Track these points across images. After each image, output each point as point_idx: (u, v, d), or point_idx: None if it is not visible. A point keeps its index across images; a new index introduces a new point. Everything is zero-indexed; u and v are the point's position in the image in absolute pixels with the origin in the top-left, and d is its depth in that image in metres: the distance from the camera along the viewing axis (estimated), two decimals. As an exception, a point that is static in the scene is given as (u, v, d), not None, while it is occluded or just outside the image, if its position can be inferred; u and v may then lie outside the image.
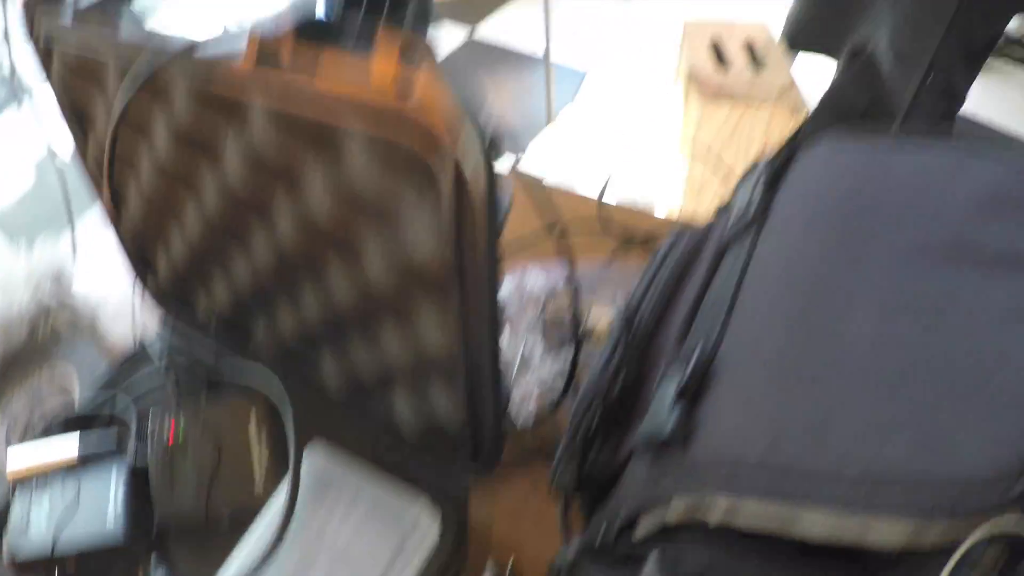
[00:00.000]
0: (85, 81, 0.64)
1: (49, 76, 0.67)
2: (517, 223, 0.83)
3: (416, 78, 0.41)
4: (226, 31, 0.49)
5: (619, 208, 0.91)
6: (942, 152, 0.42)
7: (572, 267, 0.79)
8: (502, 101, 2.67)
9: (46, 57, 0.65)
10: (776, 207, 0.45)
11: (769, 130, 1.50)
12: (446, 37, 3.00)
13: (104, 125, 0.65)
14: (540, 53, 2.39)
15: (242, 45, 0.46)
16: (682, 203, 1.68)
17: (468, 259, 0.46)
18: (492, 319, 0.49)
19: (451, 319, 0.51)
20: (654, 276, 0.52)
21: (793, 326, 0.38)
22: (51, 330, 0.90)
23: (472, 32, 3.04)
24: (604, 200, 0.90)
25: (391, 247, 0.51)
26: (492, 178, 0.41)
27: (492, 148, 0.40)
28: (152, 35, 0.55)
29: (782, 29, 1.69)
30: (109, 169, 0.65)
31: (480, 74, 2.81)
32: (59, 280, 0.93)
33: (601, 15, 3.10)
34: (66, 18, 0.59)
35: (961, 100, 1.66)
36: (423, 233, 0.48)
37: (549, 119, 2.47)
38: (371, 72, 0.42)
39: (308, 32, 0.44)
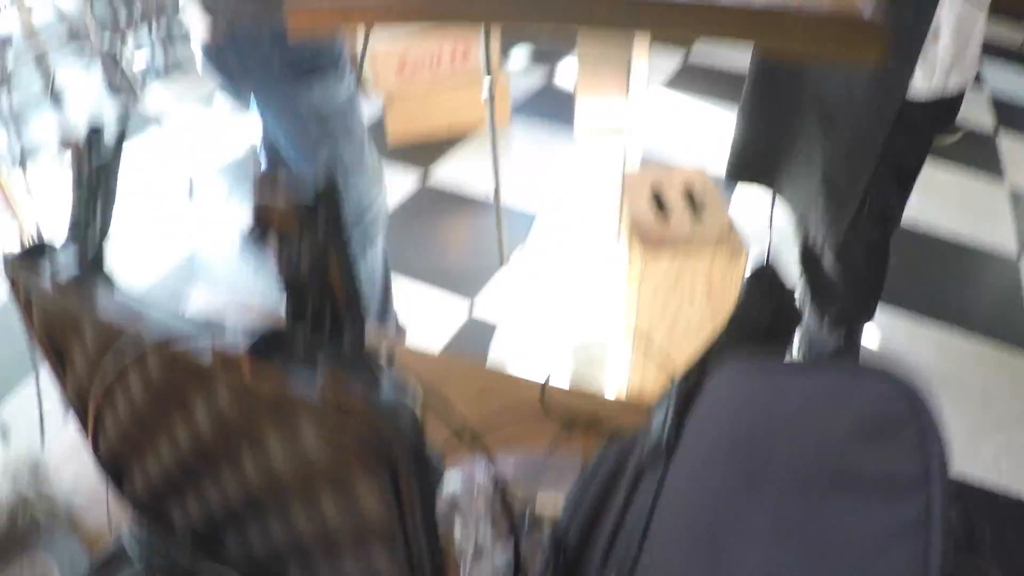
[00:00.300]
0: (64, 331, 0.66)
1: (28, 319, 0.69)
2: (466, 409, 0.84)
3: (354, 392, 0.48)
4: (192, 324, 0.56)
5: (562, 391, 0.92)
6: (830, 375, 0.44)
7: (494, 464, 0.80)
8: (455, 245, 2.73)
9: (26, 306, 0.67)
10: (685, 434, 0.47)
11: (711, 276, 1.54)
12: (399, 182, 3.09)
13: (83, 369, 0.67)
14: (491, 196, 2.47)
15: (206, 344, 0.53)
16: (627, 380, 1.70)
17: (408, 516, 0.53)
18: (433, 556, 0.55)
19: (396, 553, 0.56)
20: (581, 497, 0.53)
21: (694, 559, 0.41)
22: (30, 521, 0.89)
23: (425, 176, 3.13)
24: (548, 382, 0.91)
25: (340, 502, 0.58)
26: (423, 461, 0.49)
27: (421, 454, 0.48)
28: (129, 313, 0.58)
29: (725, 165, 1.77)
30: (94, 427, 0.70)
31: (433, 218, 2.88)
32: (36, 471, 0.92)
33: (552, 156, 3.23)
34: (46, 282, 0.61)
35: (897, 221, 1.74)
36: (366, 495, 0.55)
37: (502, 261, 2.52)
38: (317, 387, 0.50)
39: (263, 348, 0.51)
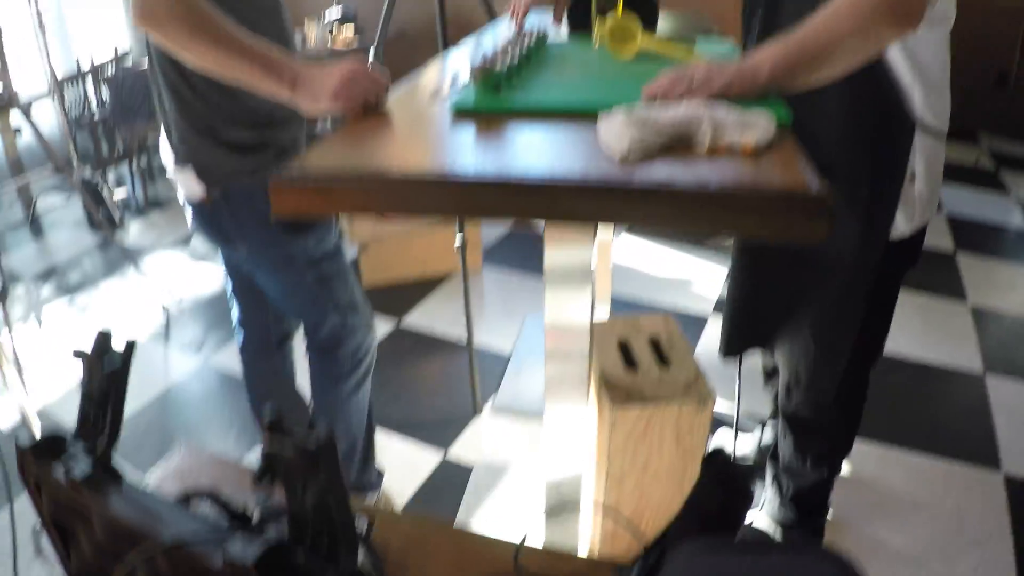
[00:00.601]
0: (74, 520, 0.69)
1: (36, 500, 0.71)
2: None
3: None
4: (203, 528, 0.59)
5: (536, 552, 0.95)
6: (779, 556, 0.49)
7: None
8: (429, 390, 2.77)
9: (36, 490, 0.70)
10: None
11: (679, 424, 1.59)
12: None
13: (91, 557, 0.69)
14: (464, 339, 2.53)
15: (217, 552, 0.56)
16: (599, 534, 1.74)
17: None
18: None
19: None
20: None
21: None
22: None
23: (399, 320, 3.20)
24: (522, 544, 0.94)
25: None
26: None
27: None
28: (140, 512, 0.61)
29: (719, 346, 1.83)
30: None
31: (407, 362, 2.93)
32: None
33: (523, 300, 3.32)
34: (59, 476, 0.64)
35: (879, 354, 1.80)
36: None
37: (475, 409, 2.55)
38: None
39: (268, 562, 0.54)
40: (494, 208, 0.84)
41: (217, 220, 1.59)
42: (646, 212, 0.81)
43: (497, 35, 1.83)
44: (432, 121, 1.10)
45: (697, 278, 3.48)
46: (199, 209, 1.59)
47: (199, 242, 3.92)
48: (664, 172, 0.83)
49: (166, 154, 1.59)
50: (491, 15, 2.43)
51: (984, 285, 3.39)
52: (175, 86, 1.46)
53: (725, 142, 0.90)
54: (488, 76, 1.10)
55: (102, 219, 3.85)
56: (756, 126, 0.92)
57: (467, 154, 0.96)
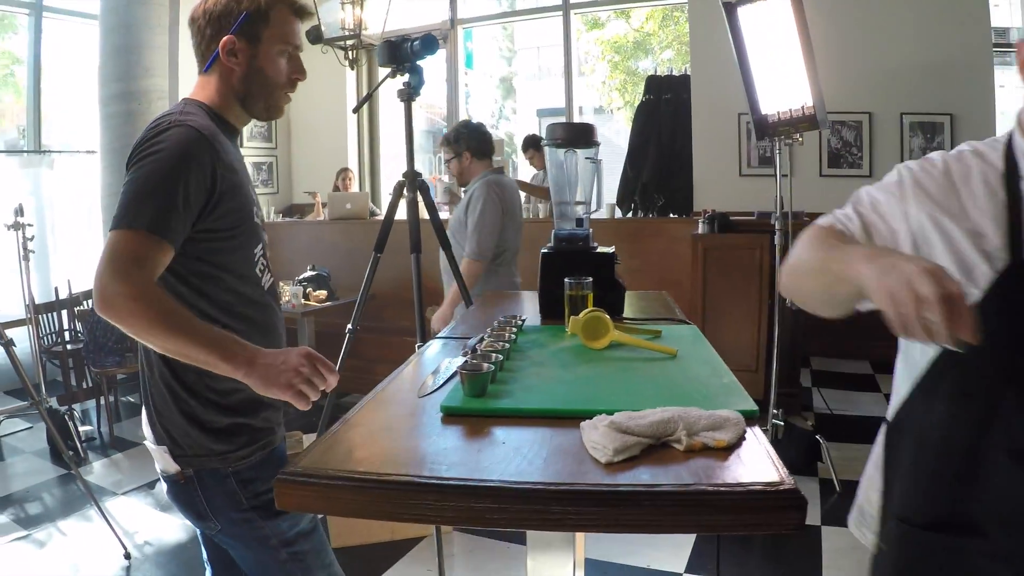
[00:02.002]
0: None
1: None
2: None
3: None
4: None
5: None
6: None
7: None
8: None
9: None
10: None
11: None
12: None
13: None
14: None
15: None
16: None
17: None
18: None
19: None
20: None
21: None
22: None
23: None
24: None
25: None
26: None
27: None
28: None
29: None
30: None
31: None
32: None
33: (498, 560, 3.22)
34: None
35: None
36: None
37: None
38: None
39: None
40: (491, 517, 0.88)
41: (190, 497, 1.59)
42: (631, 518, 0.86)
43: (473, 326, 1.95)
44: (421, 420, 1.16)
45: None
46: (173, 484, 1.60)
47: (164, 487, 3.81)
48: (647, 474, 0.89)
49: (145, 423, 1.61)
50: (468, 302, 2.61)
51: None
52: (160, 368, 1.53)
53: (699, 441, 0.97)
54: (475, 378, 1.19)
55: (70, 456, 3.75)
56: (727, 424, 1.00)
57: (461, 459, 1.01)
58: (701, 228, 4.81)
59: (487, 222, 3.32)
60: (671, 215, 6.18)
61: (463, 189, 3.66)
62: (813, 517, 3.27)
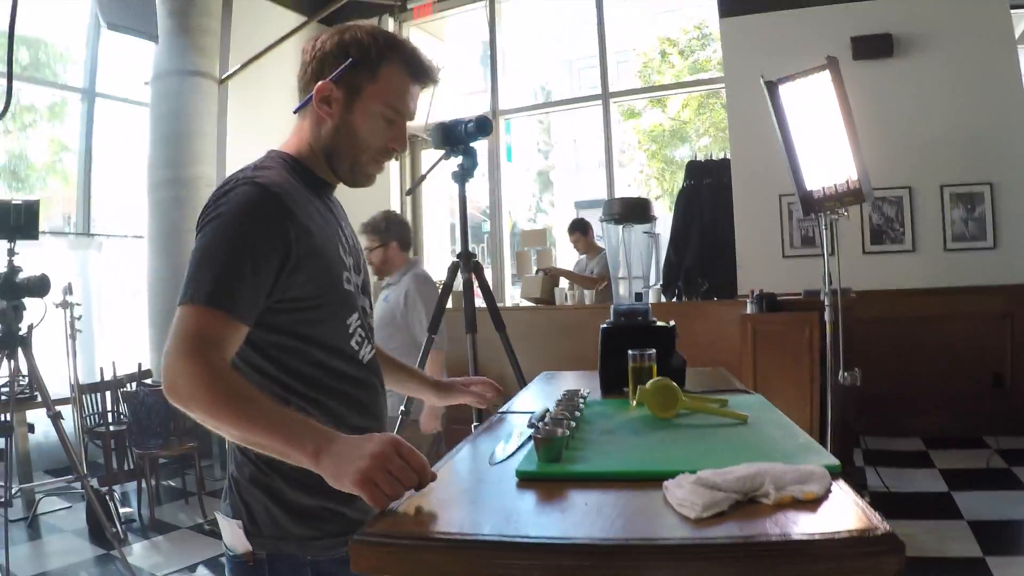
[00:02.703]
0: None
1: None
2: None
3: None
4: None
5: None
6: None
7: None
8: None
9: None
10: None
11: None
12: None
13: None
14: None
15: None
16: None
17: None
18: None
19: None
20: None
21: None
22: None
23: None
24: None
25: None
26: None
27: None
28: None
29: None
30: None
31: None
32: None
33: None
34: None
35: None
36: None
37: None
38: None
39: None
40: (581, 574, 0.87)
41: None
42: (727, 571, 0.84)
43: (535, 398, 1.95)
44: (496, 487, 1.16)
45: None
46: (238, 565, 1.38)
47: (205, 572, 3.77)
48: (737, 528, 0.88)
49: (224, 492, 1.45)
50: (521, 382, 2.61)
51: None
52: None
53: (789, 495, 0.95)
54: (550, 443, 1.18)
55: (114, 534, 3.71)
56: (814, 478, 0.98)
57: (545, 519, 1.00)
58: (749, 308, 4.79)
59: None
60: (715, 299, 6.15)
61: (385, 281, 3.63)
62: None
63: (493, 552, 0.90)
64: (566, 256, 8.40)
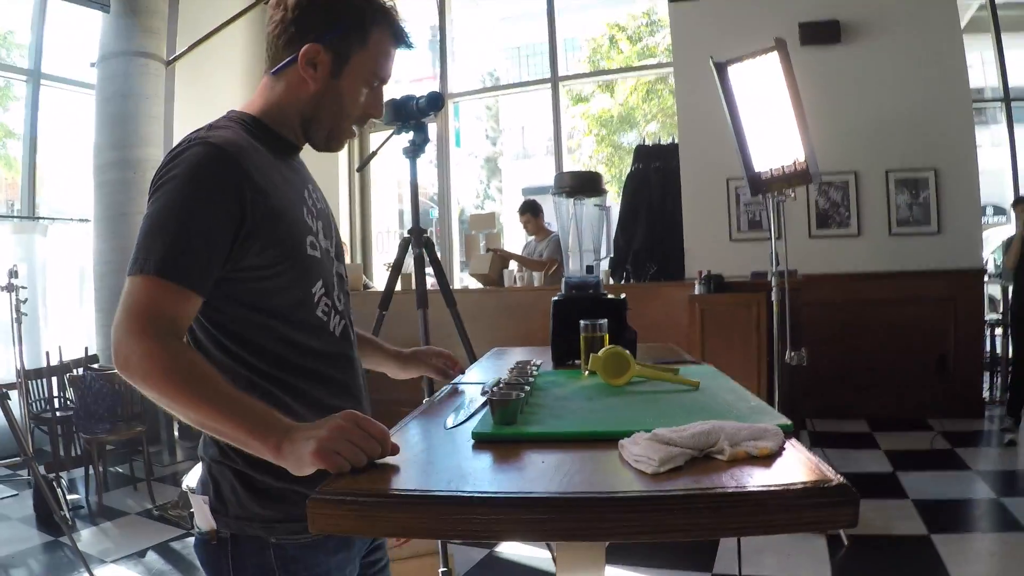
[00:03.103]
0: None
1: None
2: None
3: None
4: None
5: None
6: None
7: None
8: None
9: None
10: None
11: None
12: None
13: None
14: None
15: None
16: None
17: None
18: None
19: None
20: None
21: None
22: None
23: None
24: None
25: None
26: None
27: None
28: None
29: None
30: None
31: None
32: None
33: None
34: None
35: None
36: None
37: None
38: None
39: None
40: (543, 529, 0.87)
41: (217, 562, 1.34)
42: (688, 523, 0.85)
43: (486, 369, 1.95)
44: (453, 449, 1.15)
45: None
46: (203, 541, 1.35)
47: (155, 557, 3.71)
48: (693, 482, 0.88)
49: (196, 468, 1.41)
50: (472, 358, 2.60)
51: (963, 560, 3.33)
52: None
53: (743, 450, 0.96)
54: (506, 405, 1.18)
55: (63, 518, 3.62)
56: (767, 434, 1.00)
57: (504, 476, 1.00)
58: (697, 289, 4.85)
59: None
60: (662, 280, 6.22)
61: None
62: (823, 573, 3.22)
63: (453, 507, 0.89)
64: (514, 241, 8.41)
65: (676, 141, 6.58)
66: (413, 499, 0.91)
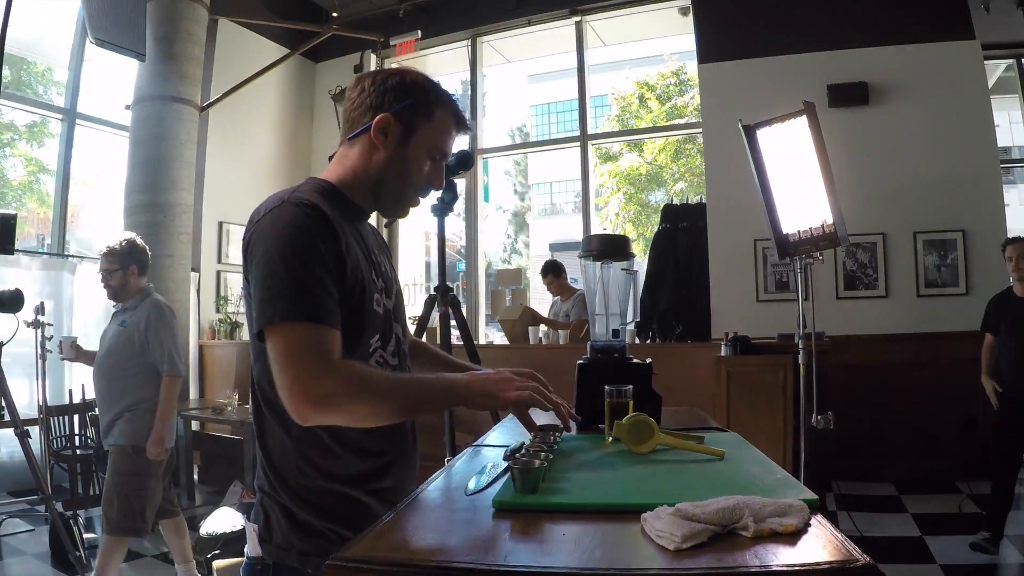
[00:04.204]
0: None
1: None
2: None
3: None
4: None
5: None
6: None
7: None
8: None
9: None
10: None
11: None
12: None
13: None
14: None
15: None
16: None
17: None
18: None
19: None
20: None
21: None
22: None
23: None
24: None
25: None
26: None
27: None
28: None
29: None
30: None
31: None
32: None
33: None
34: None
35: None
36: None
37: None
38: None
39: None
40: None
41: None
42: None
43: (511, 434, 1.93)
44: (472, 516, 1.14)
45: None
46: (250, 566, 1.49)
47: None
48: (715, 559, 0.87)
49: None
50: (496, 418, 2.59)
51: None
52: (261, 455, 1.45)
53: (768, 527, 0.95)
54: (528, 473, 1.17)
55: (78, 558, 3.60)
56: (792, 511, 0.98)
57: (523, 548, 0.99)
58: (724, 350, 4.81)
59: (177, 337, 3.48)
60: (688, 341, 6.18)
61: (117, 305, 3.68)
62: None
63: (468, 581, 0.88)
64: (540, 297, 8.42)
65: (704, 200, 6.60)
66: (429, 569, 0.90)
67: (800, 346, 3.80)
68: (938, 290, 5.77)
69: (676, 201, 7.13)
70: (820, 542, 0.92)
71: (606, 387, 1.74)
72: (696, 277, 6.43)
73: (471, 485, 1.30)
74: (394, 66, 1.55)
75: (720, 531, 0.95)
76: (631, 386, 1.75)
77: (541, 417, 2.07)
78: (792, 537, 0.93)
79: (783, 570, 0.83)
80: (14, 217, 3.50)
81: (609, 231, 14.52)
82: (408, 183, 1.50)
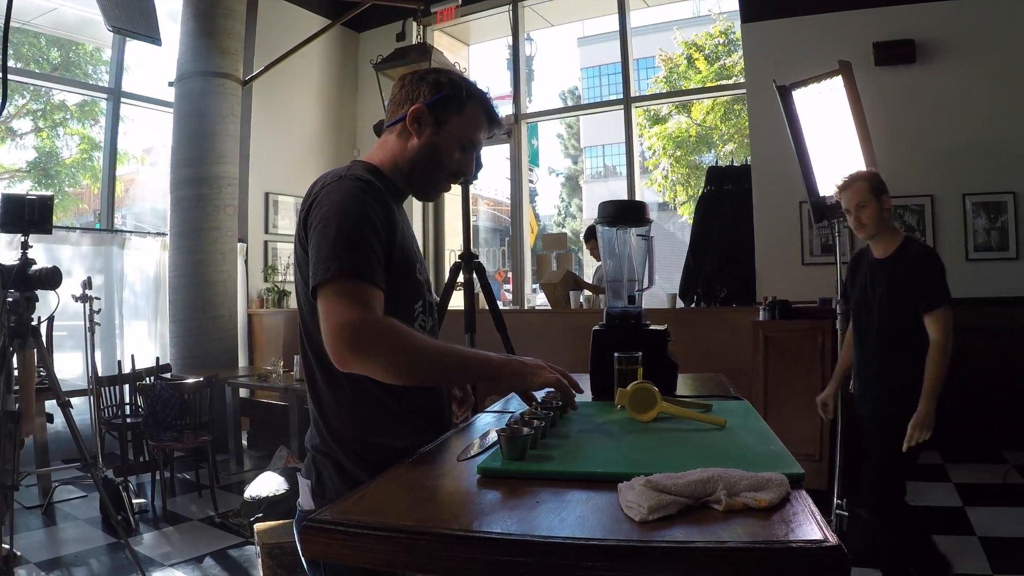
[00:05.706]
0: None
1: None
2: None
3: None
4: None
5: None
6: None
7: None
8: None
9: None
10: None
11: None
12: None
13: None
14: None
15: None
16: None
17: None
18: None
19: None
20: None
21: None
22: None
23: None
24: None
25: None
26: None
27: None
28: None
29: None
30: None
31: None
32: None
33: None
34: None
35: None
36: None
37: None
38: None
39: None
40: (517, 571, 0.86)
41: None
42: (666, 574, 0.83)
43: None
44: (457, 482, 1.15)
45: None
46: (301, 517, 1.55)
47: (212, 563, 3.81)
48: (682, 532, 0.86)
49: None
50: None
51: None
52: (314, 411, 1.53)
53: (740, 501, 0.94)
54: (514, 442, 1.17)
55: (119, 522, 3.75)
56: (770, 485, 0.96)
57: (493, 515, 0.99)
58: (762, 315, 4.74)
59: None
60: (733, 305, 6.09)
61: None
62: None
63: (432, 544, 0.89)
64: (592, 262, 8.38)
65: (749, 162, 6.46)
66: (396, 533, 0.91)
67: (838, 311, 3.71)
68: (988, 254, 5.57)
69: (722, 163, 6.97)
70: (793, 519, 0.90)
71: (615, 355, 1.74)
72: (741, 240, 6.31)
73: (473, 449, 1.32)
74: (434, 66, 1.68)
75: (692, 504, 0.94)
76: (640, 353, 1.73)
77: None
78: (765, 512, 0.92)
79: (743, 546, 0.82)
80: (51, 199, 3.59)
81: (657, 194, 14.34)
82: (439, 169, 1.60)
